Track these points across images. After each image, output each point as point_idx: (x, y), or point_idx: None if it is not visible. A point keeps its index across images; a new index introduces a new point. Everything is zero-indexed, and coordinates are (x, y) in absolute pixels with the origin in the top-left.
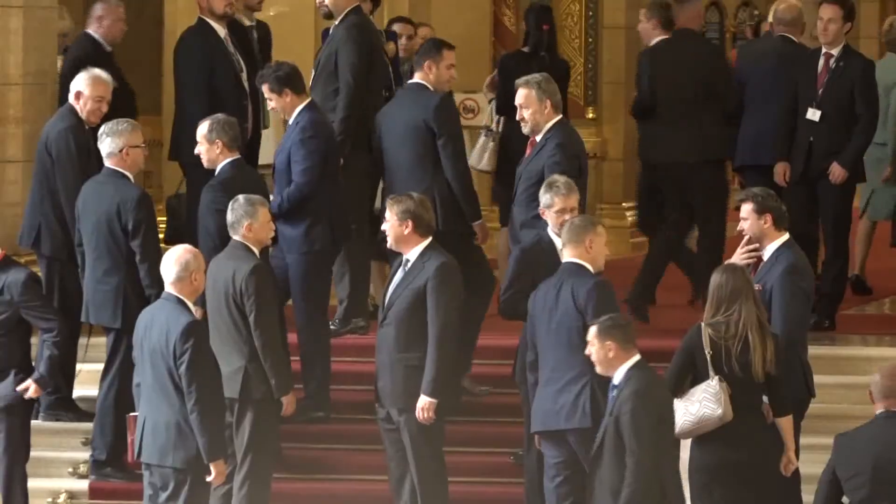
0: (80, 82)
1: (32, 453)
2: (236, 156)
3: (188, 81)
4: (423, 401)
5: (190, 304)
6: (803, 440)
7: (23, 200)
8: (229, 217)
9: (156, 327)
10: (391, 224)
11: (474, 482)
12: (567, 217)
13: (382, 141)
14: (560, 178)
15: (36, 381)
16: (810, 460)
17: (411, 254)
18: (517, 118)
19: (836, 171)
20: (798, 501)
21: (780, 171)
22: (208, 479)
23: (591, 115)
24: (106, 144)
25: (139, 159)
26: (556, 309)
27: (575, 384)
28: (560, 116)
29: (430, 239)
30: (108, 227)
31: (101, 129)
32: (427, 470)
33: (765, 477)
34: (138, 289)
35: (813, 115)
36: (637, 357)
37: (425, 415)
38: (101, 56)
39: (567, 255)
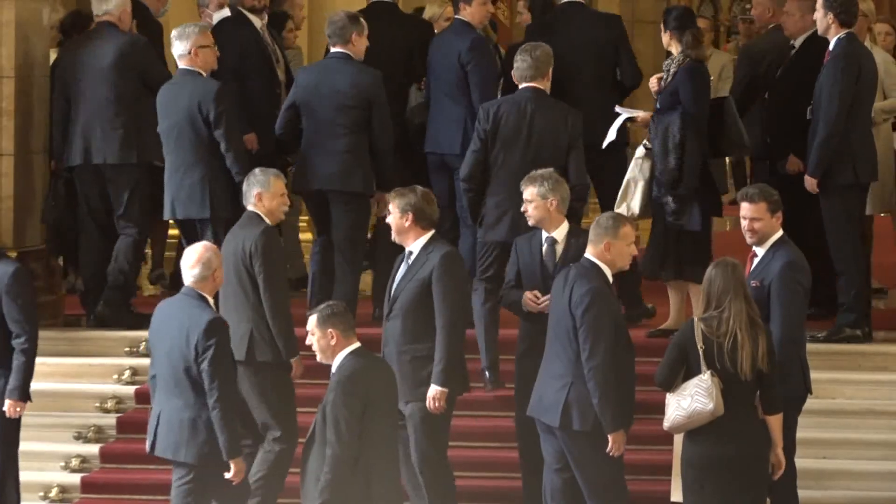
0: None
1: (24, 447)
2: None
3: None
4: (434, 390)
5: (210, 301)
6: (799, 435)
7: (14, 193)
8: (244, 187)
9: (175, 322)
10: (393, 217)
11: (473, 476)
12: (527, 208)
13: None
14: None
15: (10, 396)
16: (807, 455)
17: (414, 246)
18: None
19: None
20: (793, 496)
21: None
22: (227, 476)
23: None
24: (176, 47)
25: (210, 58)
26: (559, 303)
27: (558, 381)
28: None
29: (432, 232)
30: (190, 121)
31: (172, 34)
32: (430, 462)
33: (756, 472)
34: (222, 178)
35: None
36: (356, 345)
37: (436, 404)
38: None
39: (588, 252)
